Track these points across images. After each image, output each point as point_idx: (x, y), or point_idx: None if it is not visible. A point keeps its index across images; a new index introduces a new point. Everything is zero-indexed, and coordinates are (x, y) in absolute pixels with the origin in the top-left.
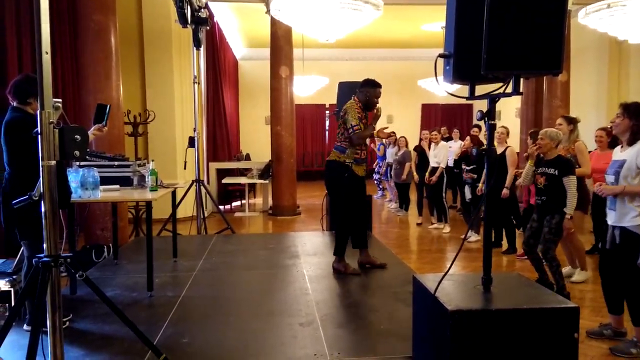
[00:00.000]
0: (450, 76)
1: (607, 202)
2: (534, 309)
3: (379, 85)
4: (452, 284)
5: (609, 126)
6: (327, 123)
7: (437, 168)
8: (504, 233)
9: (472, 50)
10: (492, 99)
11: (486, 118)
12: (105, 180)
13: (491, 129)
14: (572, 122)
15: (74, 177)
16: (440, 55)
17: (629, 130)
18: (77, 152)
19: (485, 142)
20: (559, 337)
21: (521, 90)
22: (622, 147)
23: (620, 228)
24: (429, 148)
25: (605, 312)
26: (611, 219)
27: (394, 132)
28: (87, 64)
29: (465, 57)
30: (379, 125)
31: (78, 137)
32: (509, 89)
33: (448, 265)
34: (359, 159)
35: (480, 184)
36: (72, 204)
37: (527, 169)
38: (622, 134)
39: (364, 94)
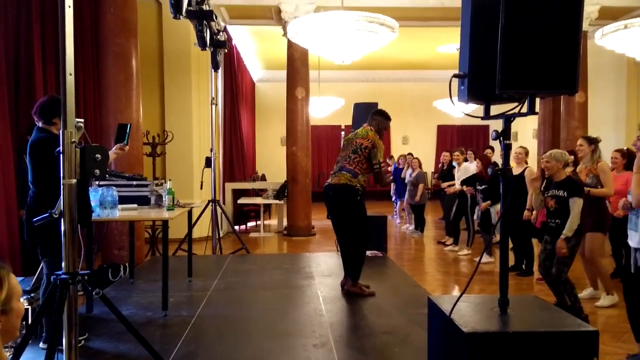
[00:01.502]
0: (465, 96)
1: (628, 223)
2: (552, 332)
3: (389, 119)
4: (468, 305)
5: (625, 148)
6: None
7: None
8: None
9: (487, 70)
10: (508, 118)
11: (501, 138)
12: (123, 200)
13: (506, 148)
14: (593, 142)
15: (93, 196)
16: (454, 76)
17: None
18: (97, 171)
19: (500, 162)
20: None
21: (537, 110)
22: None
23: None
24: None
25: (628, 337)
26: (633, 241)
27: (410, 154)
28: (109, 85)
29: (480, 77)
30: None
31: (99, 156)
32: (524, 109)
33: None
34: (364, 187)
35: (484, 204)
36: (92, 222)
37: (533, 197)
38: None
39: (377, 122)
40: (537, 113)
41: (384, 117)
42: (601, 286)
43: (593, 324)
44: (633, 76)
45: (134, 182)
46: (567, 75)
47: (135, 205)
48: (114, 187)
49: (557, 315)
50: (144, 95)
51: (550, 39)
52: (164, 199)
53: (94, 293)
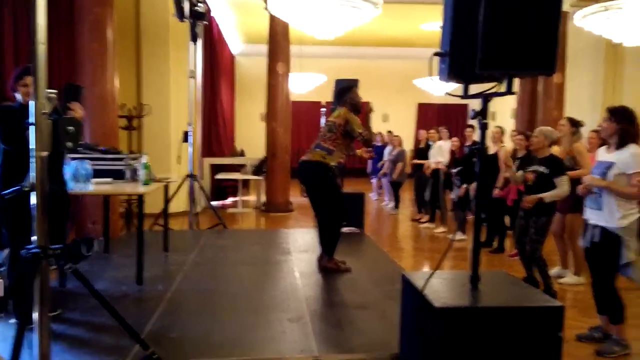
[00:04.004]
0: (445, 74)
1: (587, 200)
2: (519, 307)
3: (354, 83)
4: (441, 282)
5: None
6: (323, 120)
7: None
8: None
9: (468, 50)
10: (486, 98)
11: (479, 117)
12: (97, 174)
13: (483, 127)
14: (576, 124)
15: (66, 169)
16: (435, 54)
17: (616, 133)
18: (69, 144)
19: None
20: (544, 335)
21: (515, 90)
22: (608, 148)
23: (600, 228)
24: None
25: (594, 312)
26: (592, 217)
27: (390, 132)
28: (83, 55)
29: (461, 56)
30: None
31: (72, 128)
32: (503, 89)
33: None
34: (340, 164)
35: (462, 189)
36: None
37: (512, 173)
38: (610, 138)
39: (347, 102)
40: (514, 93)
41: (348, 89)
42: (571, 264)
43: (562, 300)
44: (610, 58)
45: (109, 156)
46: (546, 56)
47: (110, 179)
48: (88, 161)
49: (525, 291)
50: (120, 67)
51: (530, 20)
52: (139, 173)
53: (66, 268)
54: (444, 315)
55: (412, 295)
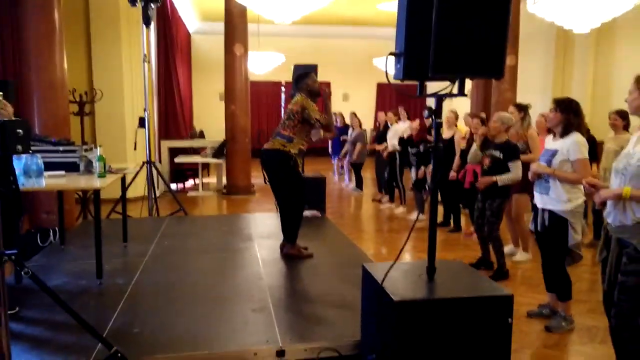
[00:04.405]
0: (400, 74)
1: (536, 186)
2: (472, 298)
3: (310, 70)
4: (399, 273)
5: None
6: (283, 100)
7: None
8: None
9: (422, 51)
10: (439, 98)
11: (433, 116)
12: (50, 166)
13: (437, 127)
14: (523, 109)
15: (16, 164)
16: (391, 54)
17: (561, 123)
18: (19, 147)
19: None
20: (495, 323)
21: (467, 92)
22: (554, 137)
23: (549, 211)
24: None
25: (542, 289)
26: (540, 202)
27: (354, 113)
28: (28, 39)
29: (415, 57)
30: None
31: (20, 131)
32: (455, 90)
33: (399, 246)
34: (302, 151)
35: (421, 171)
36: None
37: (474, 151)
38: (555, 127)
39: (305, 86)
40: (466, 95)
41: (304, 76)
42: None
43: (512, 277)
44: (561, 43)
45: (61, 148)
46: (495, 62)
47: (63, 172)
48: (39, 155)
49: (477, 280)
50: (69, 51)
51: (481, 28)
52: (94, 164)
53: (22, 273)
54: (401, 308)
55: (371, 287)
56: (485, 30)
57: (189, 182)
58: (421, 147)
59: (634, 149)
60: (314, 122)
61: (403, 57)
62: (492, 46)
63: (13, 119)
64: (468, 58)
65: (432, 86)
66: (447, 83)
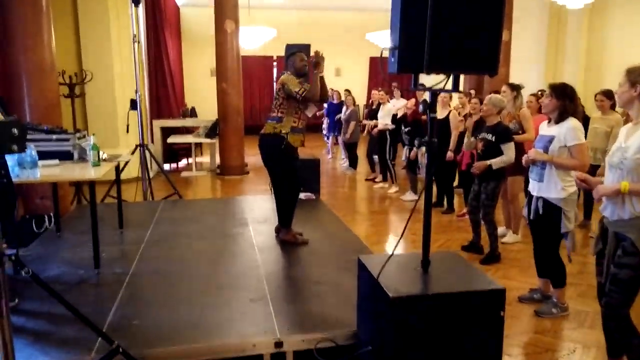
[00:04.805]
0: (395, 68)
1: (530, 173)
2: (466, 292)
3: (302, 49)
4: (394, 266)
5: (538, 91)
6: (275, 75)
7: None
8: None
9: (417, 45)
10: (434, 92)
11: (428, 111)
12: (43, 155)
13: (432, 121)
14: (516, 89)
15: (10, 156)
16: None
17: (556, 109)
18: (14, 147)
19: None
20: (488, 316)
21: (461, 89)
22: (549, 122)
23: (543, 199)
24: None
25: (532, 272)
26: (535, 190)
27: (348, 90)
28: (15, 20)
29: (410, 51)
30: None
31: (15, 131)
32: (449, 85)
33: (392, 228)
34: (297, 129)
35: (413, 153)
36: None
37: (468, 139)
38: (551, 113)
39: (292, 64)
40: (460, 91)
41: (292, 54)
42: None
43: (503, 260)
44: (554, 19)
45: (54, 136)
46: (490, 59)
47: (57, 161)
48: (32, 146)
49: (471, 274)
50: (57, 32)
51: (475, 25)
52: (88, 152)
53: (22, 273)
54: (397, 303)
55: (367, 280)
56: (479, 27)
57: (182, 162)
58: (420, 107)
59: (626, 143)
60: (294, 95)
61: (398, 52)
62: (486, 43)
63: None
64: (462, 54)
65: (427, 78)
66: (442, 76)
